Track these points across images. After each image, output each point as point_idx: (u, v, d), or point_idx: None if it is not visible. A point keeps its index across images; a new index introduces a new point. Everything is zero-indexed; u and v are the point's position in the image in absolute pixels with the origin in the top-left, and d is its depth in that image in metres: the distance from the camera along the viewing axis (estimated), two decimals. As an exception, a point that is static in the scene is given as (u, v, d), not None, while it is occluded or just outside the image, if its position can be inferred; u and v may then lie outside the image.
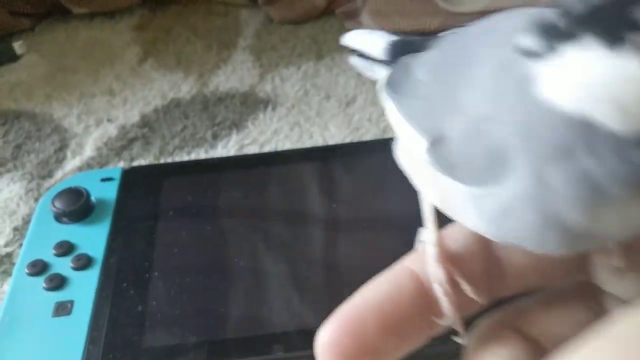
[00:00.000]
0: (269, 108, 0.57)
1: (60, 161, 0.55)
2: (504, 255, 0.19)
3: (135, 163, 0.54)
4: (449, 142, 0.16)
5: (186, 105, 0.59)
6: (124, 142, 0.56)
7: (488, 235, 0.17)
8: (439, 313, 0.18)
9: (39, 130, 0.58)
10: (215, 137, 0.55)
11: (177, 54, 0.65)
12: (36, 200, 0.52)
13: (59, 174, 0.54)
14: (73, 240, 0.46)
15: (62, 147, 0.57)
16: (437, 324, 0.18)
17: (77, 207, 0.47)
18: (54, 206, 0.47)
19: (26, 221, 0.50)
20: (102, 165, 0.54)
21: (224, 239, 0.45)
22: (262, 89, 0.60)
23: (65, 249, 0.45)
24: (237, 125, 0.56)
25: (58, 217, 0.47)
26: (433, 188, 0.18)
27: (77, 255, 0.45)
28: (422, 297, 0.18)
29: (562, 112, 0.13)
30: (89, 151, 0.56)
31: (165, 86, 0.61)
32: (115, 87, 0.62)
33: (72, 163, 0.55)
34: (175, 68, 0.64)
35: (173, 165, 0.52)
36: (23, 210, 0.51)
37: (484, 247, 0.19)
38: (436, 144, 0.17)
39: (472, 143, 0.15)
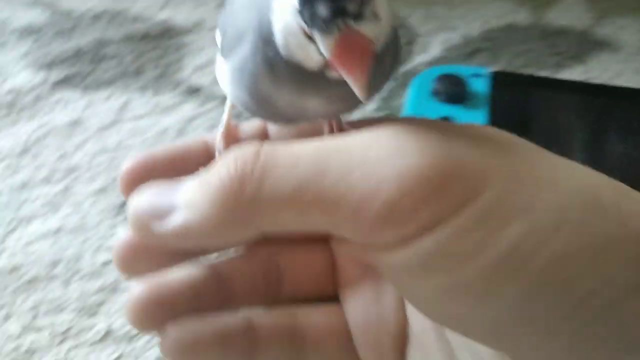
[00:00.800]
0: (609, 51, 0.59)
1: (409, 53, 0.60)
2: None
3: (481, 71, 0.58)
4: (224, 34, 0.22)
5: (524, 31, 0.62)
6: (469, 50, 0.60)
7: (233, 101, 0.22)
8: None
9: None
10: (558, 65, 0.58)
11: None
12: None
13: (410, 65, 0.59)
14: (456, 117, 0.50)
15: (409, 42, 0.61)
16: None
17: (458, 90, 0.51)
18: (436, 86, 0.51)
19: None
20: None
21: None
22: (599, 32, 0.62)
23: (448, 124, 0.49)
24: (578, 59, 0.59)
25: (438, 97, 0.51)
26: (222, 77, 0.22)
27: (460, 132, 0.49)
28: (207, 157, 0.23)
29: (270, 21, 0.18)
30: (435, 51, 0.60)
31: (500, 10, 0.65)
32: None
33: (419, 58, 0.59)
34: (506, -2, 0.67)
35: (540, 79, 0.55)
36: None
37: (262, 134, 0.24)
38: (222, 37, 0.22)
39: (230, 29, 0.21)
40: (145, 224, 0.18)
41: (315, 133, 0.23)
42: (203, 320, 0.20)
